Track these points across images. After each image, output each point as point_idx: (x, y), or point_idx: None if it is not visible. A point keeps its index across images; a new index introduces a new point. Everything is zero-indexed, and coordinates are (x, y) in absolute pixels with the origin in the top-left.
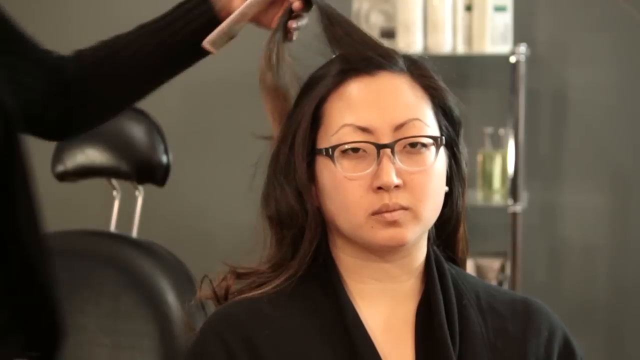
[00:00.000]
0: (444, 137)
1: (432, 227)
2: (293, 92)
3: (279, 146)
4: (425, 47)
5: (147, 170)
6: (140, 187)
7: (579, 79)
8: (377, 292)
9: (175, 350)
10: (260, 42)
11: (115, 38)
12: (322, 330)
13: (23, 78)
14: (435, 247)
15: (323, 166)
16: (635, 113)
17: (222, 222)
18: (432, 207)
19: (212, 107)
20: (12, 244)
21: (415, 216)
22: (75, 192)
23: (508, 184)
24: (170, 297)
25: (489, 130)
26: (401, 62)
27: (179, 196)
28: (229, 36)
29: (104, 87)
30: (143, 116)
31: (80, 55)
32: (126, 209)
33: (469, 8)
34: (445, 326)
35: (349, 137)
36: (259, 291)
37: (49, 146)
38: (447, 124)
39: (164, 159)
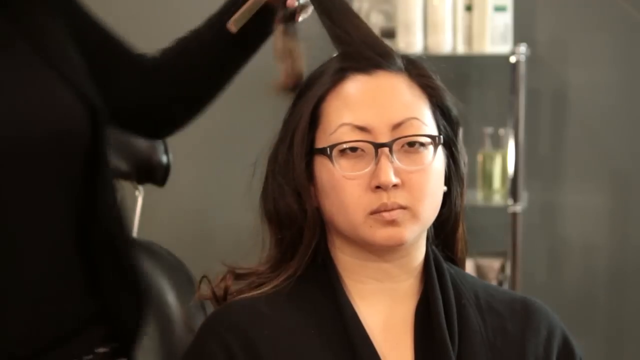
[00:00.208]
0: (442, 136)
1: (430, 227)
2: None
3: (278, 146)
4: (425, 47)
5: (147, 170)
6: (140, 187)
7: (579, 79)
8: (376, 292)
9: (175, 350)
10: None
11: (188, 32)
12: (321, 330)
13: (122, 82)
14: (434, 247)
15: (321, 166)
16: (635, 113)
17: (222, 223)
18: (430, 207)
19: (212, 107)
20: (98, 236)
21: (414, 215)
22: None
23: (508, 184)
24: (170, 297)
25: (489, 130)
26: (399, 62)
27: (179, 196)
28: (249, 13)
29: (185, 80)
30: None
31: (162, 53)
32: (126, 209)
33: (469, 8)
34: (445, 326)
35: (347, 136)
36: (258, 291)
37: None
38: (445, 124)
39: (164, 159)
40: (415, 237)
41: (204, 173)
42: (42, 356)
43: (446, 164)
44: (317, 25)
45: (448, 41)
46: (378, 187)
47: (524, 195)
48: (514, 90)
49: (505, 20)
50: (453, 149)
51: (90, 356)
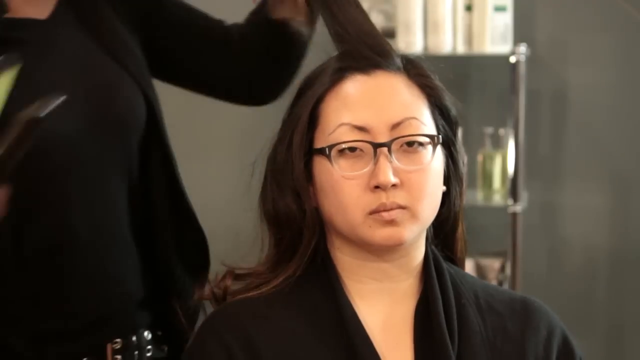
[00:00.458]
0: (440, 136)
1: (430, 227)
2: None
3: (277, 146)
4: (425, 47)
5: None
6: None
7: (579, 79)
8: (376, 292)
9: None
10: None
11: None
12: (320, 330)
13: (212, 56)
14: (433, 247)
15: (320, 166)
16: (635, 113)
17: (221, 223)
18: (429, 206)
19: (212, 107)
20: (153, 223)
21: (413, 215)
22: None
23: (508, 184)
24: None
25: (489, 130)
26: (398, 61)
27: None
28: None
29: (262, 48)
30: None
31: (245, 22)
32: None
33: (469, 8)
34: (444, 325)
35: (346, 136)
36: (258, 291)
37: None
38: (444, 123)
39: None
40: (414, 237)
41: (203, 173)
42: (90, 331)
43: (445, 163)
44: (317, 25)
45: (448, 41)
46: (377, 187)
47: (524, 195)
48: (514, 90)
49: (505, 20)
50: (452, 148)
51: (134, 337)
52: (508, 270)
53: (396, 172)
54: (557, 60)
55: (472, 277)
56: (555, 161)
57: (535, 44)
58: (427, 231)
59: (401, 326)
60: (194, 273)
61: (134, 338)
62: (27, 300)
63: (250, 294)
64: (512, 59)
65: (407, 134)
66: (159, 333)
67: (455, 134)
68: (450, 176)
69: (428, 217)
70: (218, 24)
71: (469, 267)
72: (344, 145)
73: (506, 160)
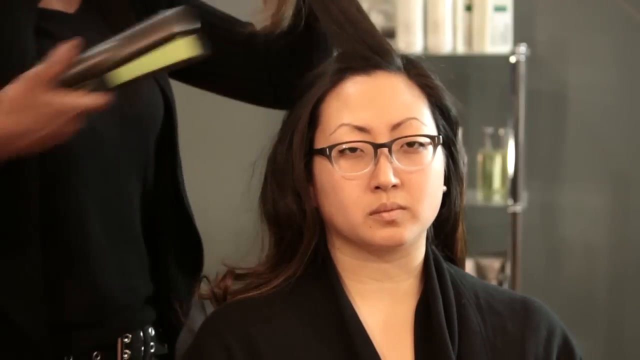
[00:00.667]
0: (441, 136)
1: (430, 227)
2: None
3: (277, 146)
4: (425, 47)
5: None
6: None
7: (579, 79)
8: (376, 292)
9: (175, 350)
10: None
11: None
12: (321, 330)
13: (235, 59)
14: (433, 247)
15: (321, 166)
16: (635, 113)
17: (222, 223)
18: (430, 207)
19: (211, 108)
20: (155, 222)
21: (414, 215)
22: None
23: (508, 184)
24: None
25: (489, 130)
26: (398, 61)
27: None
28: None
29: (288, 50)
30: None
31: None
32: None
33: (469, 8)
34: (445, 325)
35: (346, 136)
36: (258, 291)
37: None
38: (444, 123)
39: None
40: (414, 237)
41: (203, 173)
42: (101, 324)
43: (445, 163)
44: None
45: (448, 41)
46: (377, 188)
47: (524, 195)
48: (514, 90)
49: (505, 20)
50: (452, 148)
51: (141, 333)
52: (508, 270)
53: (396, 173)
54: (557, 60)
55: (472, 277)
56: (555, 161)
57: (535, 44)
58: (427, 231)
59: (401, 326)
60: (188, 274)
61: (141, 334)
62: (50, 288)
63: (251, 294)
64: (512, 59)
65: (408, 134)
66: (160, 330)
67: (455, 134)
68: (451, 176)
69: (428, 218)
70: (243, 25)
71: (469, 267)
72: (344, 146)
73: (506, 160)
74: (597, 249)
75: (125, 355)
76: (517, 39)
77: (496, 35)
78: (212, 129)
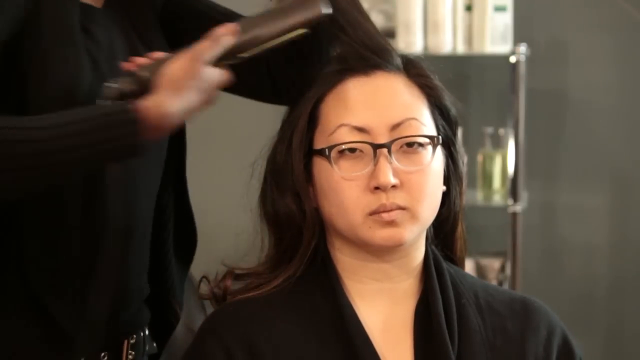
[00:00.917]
0: (440, 137)
1: (430, 227)
2: None
3: (276, 146)
4: (425, 47)
5: None
6: None
7: (579, 79)
8: (376, 292)
9: (175, 351)
10: None
11: None
12: (320, 331)
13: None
14: (433, 247)
15: (320, 167)
16: (635, 113)
17: (221, 223)
18: (429, 207)
19: (211, 108)
20: (158, 221)
21: (413, 216)
22: None
23: (508, 184)
24: None
25: (489, 130)
26: (397, 61)
27: None
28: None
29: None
30: None
31: None
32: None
33: (469, 8)
34: (444, 326)
35: (346, 137)
36: (258, 292)
37: None
38: (443, 123)
39: None
40: (414, 237)
41: (203, 173)
42: (114, 324)
43: (445, 163)
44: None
45: (448, 41)
46: (377, 188)
47: (523, 195)
48: (514, 90)
49: (505, 20)
50: (452, 148)
51: (142, 332)
52: (508, 270)
53: (396, 173)
54: (557, 60)
55: (472, 277)
56: (555, 161)
57: (535, 44)
58: (427, 231)
59: (401, 326)
60: (182, 271)
61: (141, 334)
62: (86, 286)
63: (250, 294)
64: (512, 59)
65: (407, 134)
66: (153, 330)
67: (455, 134)
68: (450, 176)
69: (428, 218)
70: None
71: (469, 267)
72: (343, 146)
73: (506, 160)
74: (597, 249)
75: (130, 356)
76: (517, 39)
77: (496, 35)
78: (211, 129)
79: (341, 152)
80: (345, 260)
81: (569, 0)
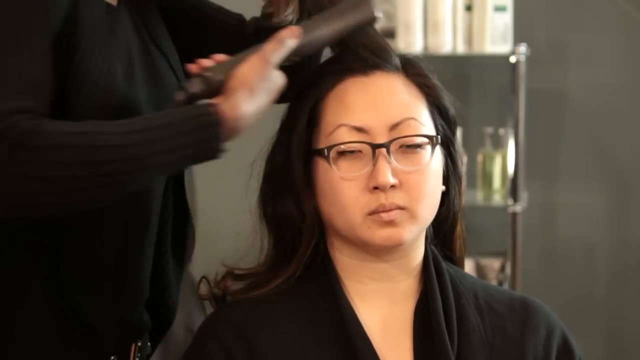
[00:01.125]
0: (439, 136)
1: (429, 226)
2: None
3: (275, 147)
4: (425, 47)
5: None
6: None
7: (579, 79)
8: (375, 292)
9: (175, 351)
10: None
11: None
12: (320, 331)
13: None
14: (433, 247)
15: (319, 167)
16: (635, 113)
17: (221, 223)
18: (428, 207)
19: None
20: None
21: (412, 216)
22: None
23: (508, 184)
24: None
25: (489, 130)
26: (396, 61)
27: None
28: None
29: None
30: None
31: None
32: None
33: (469, 8)
34: (444, 326)
35: (345, 137)
36: (257, 292)
37: None
38: (442, 123)
39: None
40: (413, 237)
41: (203, 174)
42: (121, 328)
43: (444, 163)
44: None
45: (448, 41)
46: (376, 188)
47: (523, 195)
48: (514, 90)
49: (505, 20)
50: (451, 148)
51: (146, 335)
52: (508, 270)
53: (395, 173)
54: (557, 60)
55: (472, 277)
56: (555, 161)
57: (535, 44)
58: (426, 231)
59: (401, 326)
60: (178, 272)
61: (146, 335)
62: (117, 290)
63: (250, 294)
64: (512, 59)
65: (406, 134)
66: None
67: (454, 134)
68: (449, 176)
69: (427, 218)
70: (234, 17)
71: (469, 267)
72: (342, 147)
73: (506, 160)
74: (597, 249)
75: (137, 359)
76: (517, 39)
77: (496, 35)
78: None
79: (340, 152)
80: (345, 261)
81: (569, 0)
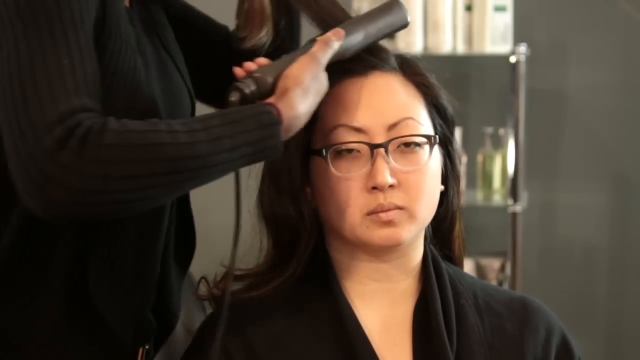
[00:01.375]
0: (437, 136)
1: (428, 226)
2: None
3: None
4: (425, 47)
5: None
6: None
7: (578, 79)
8: (374, 293)
9: (174, 351)
10: None
11: None
12: (319, 331)
13: (217, 61)
14: (432, 246)
15: (318, 167)
16: (635, 113)
17: (221, 224)
18: (427, 206)
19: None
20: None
21: (411, 215)
22: None
23: (508, 184)
24: None
25: (489, 130)
26: (393, 61)
27: None
28: None
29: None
30: None
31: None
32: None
33: (469, 8)
34: (443, 326)
35: (343, 137)
36: (256, 292)
37: None
38: (441, 123)
39: None
40: (412, 237)
41: None
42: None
43: (442, 162)
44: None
45: (448, 41)
46: (374, 188)
47: (523, 195)
48: (514, 90)
49: (505, 20)
50: (449, 147)
51: (153, 339)
52: (508, 270)
53: (393, 173)
54: (557, 60)
55: (471, 277)
56: (555, 161)
57: (535, 44)
58: (425, 231)
59: (400, 326)
60: (180, 276)
61: (152, 339)
62: (139, 298)
63: (249, 294)
64: (512, 59)
65: (404, 134)
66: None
67: (452, 133)
68: (448, 175)
69: (426, 217)
70: (221, 28)
71: (469, 267)
72: (341, 147)
73: (506, 160)
74: (597, 249)
75: None
76: (517, 39)
77: (496, 35)
78: None
79: (339, 152)
80: (344, 261)
81: (569, 0)
